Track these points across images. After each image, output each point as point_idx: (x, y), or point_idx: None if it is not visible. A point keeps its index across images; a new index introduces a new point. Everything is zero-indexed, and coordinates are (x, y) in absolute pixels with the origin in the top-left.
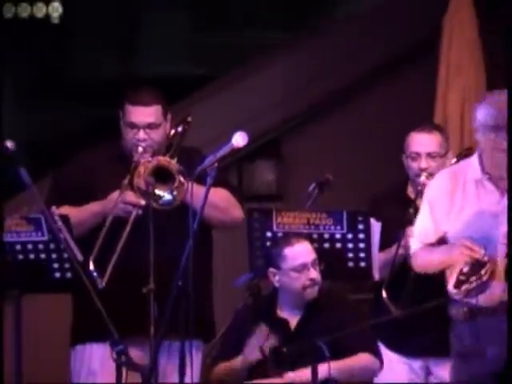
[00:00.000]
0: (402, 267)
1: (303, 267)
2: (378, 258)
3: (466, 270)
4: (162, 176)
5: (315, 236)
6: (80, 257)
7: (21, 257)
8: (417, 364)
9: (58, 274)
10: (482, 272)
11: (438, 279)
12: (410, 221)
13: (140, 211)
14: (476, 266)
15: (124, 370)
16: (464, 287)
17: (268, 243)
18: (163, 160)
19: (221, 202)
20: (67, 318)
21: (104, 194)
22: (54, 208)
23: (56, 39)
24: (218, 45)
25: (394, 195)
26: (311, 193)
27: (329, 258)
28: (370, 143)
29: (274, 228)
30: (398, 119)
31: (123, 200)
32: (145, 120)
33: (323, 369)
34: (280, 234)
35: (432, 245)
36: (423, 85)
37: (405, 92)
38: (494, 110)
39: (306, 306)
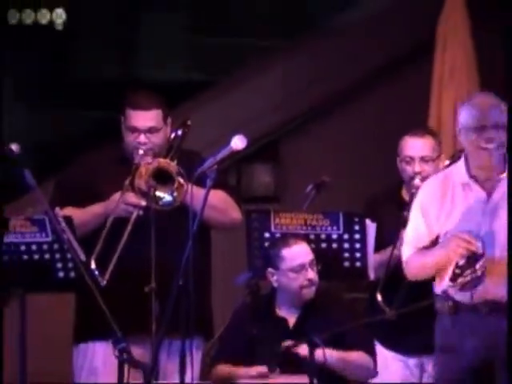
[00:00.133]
0: (396, 269)
1: (301, 268)
2: (374, 259)
3: (461, 263)
4: (162, 178)
5: (312, 236)
6: (83, 257)
7: (25, 257)
8: (412, 362)
9: (61, 274)
10: (477, 266)
11: (431, 282)
12: (404, 223)
13: (141, 212)
14: (472, 258)
15: (126, 368)
16: (459, 280)
17: (266, 244)
18: (163, 162)
19: (219, 204)
20: (70, 317)
21: (106, 196)
22: (57, 209)
23: (59, 44)
24: (217, 46)
25: (388, 197)
26: (308, 194)
27: (325, 258)
28: (368, 145)
29: (272, 229)
30: (398, 120)
31: (124, 201)
32: (145, 124)
33: (320, 353)
34: (278, 235)
35: (425, 248)
36: (423, 86)
37: (405, 93)
38: (476, 112)
39: (303, 306)
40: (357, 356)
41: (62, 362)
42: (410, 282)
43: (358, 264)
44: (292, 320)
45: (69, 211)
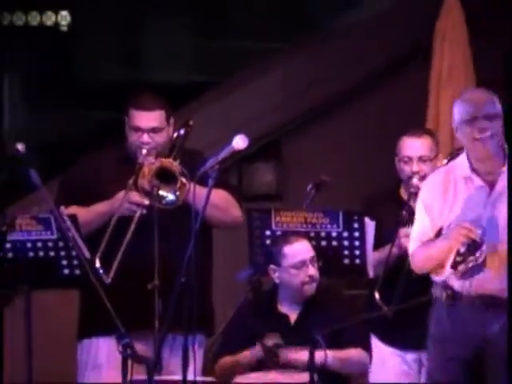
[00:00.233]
0: (395, 266)
1: (302, 264)
2: (373, 256)
3: (462, 250)
4: (165, 177)
5: (312, 234)
6: (88, 254)
7: (31, 254)
8: (410, 357)
9: (66, 271)
10: (478, 253)
11: (429, 279)
12: (402, 222)
13: (144, 210)
14: (472, 246)
15: (129, 363)
16: (460, 267)
17: (267, 241)
18: (166, 162)
19: (221, 202)
20: (75, 316)
21: (110, 195)
22: (62, 208)
23: (64, 46)
24: (219, 49)
25: (387, 195)
26: (309, 193)
27: (325, 256)
28: (369, 145)
29: (273, 227)
30: (398, 120)
31: (128, 200)
32: (149, 124)
33: (320, 355)
34: (279, 233)
35: (429, 241)
36: (423, 86)
37: (405, 94)
38: (467, 105)
39: (304, 302)
40: (354, 353)
41: (66, 358)
42: (407, 278)
43: (357, 261)
44: (293, 316)
45: (73, 210)
